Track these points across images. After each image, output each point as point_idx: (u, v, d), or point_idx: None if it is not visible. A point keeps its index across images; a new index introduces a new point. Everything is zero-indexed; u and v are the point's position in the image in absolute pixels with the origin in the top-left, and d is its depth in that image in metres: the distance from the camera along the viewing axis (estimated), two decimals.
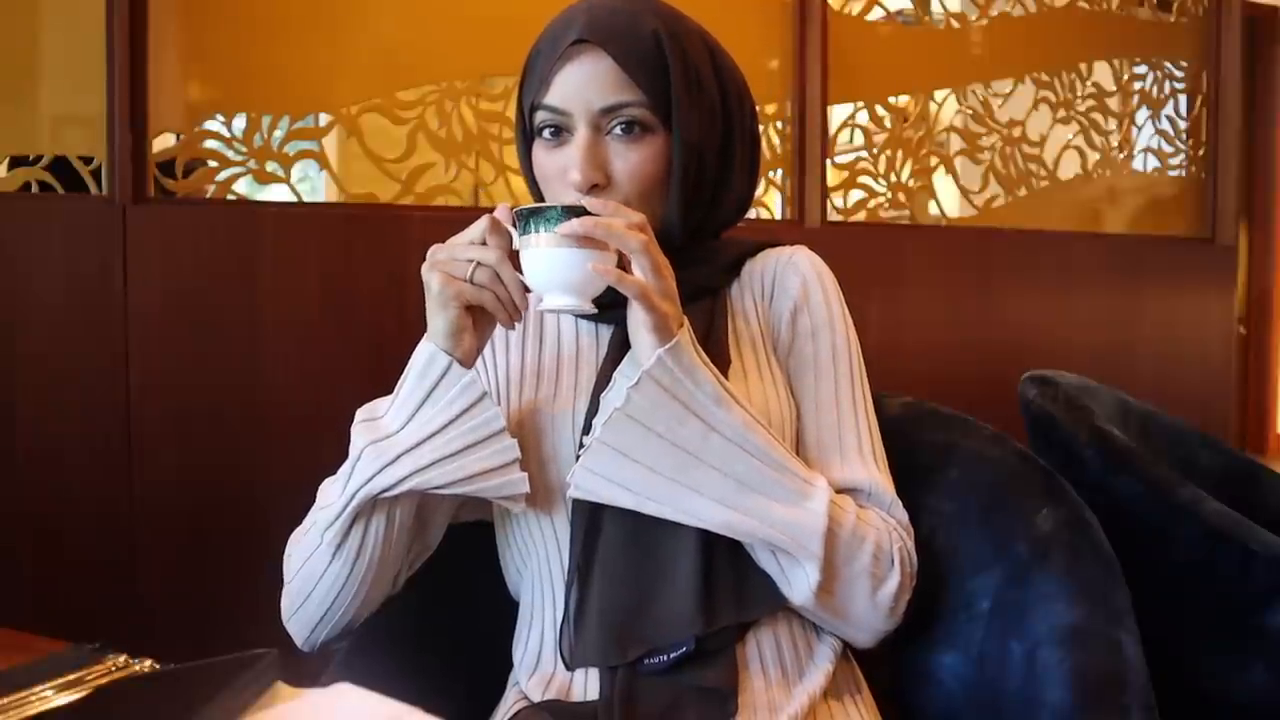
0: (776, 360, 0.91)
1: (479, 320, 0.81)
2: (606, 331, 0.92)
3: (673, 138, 0.86)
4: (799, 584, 0.82)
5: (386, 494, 0.80)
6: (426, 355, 0.80)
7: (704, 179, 0.90)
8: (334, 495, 0.83)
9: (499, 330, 0.97)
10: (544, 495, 0.87)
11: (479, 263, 0.78)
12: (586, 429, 0.85)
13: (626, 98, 0.84)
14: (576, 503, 0.84)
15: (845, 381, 0.91)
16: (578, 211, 0.76)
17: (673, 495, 0.79)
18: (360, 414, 0.85)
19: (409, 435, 0.80)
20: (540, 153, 0.89)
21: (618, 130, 0.85)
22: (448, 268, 0.79)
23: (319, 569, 0.84)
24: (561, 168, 0.86)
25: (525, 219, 0.78)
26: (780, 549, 0.81)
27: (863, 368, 0.93)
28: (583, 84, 0.85)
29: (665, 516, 0.80)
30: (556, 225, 0.76)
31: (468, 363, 0.81)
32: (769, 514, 0.80)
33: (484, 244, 0.79)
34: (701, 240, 0.93)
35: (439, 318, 0.80)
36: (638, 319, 0.78)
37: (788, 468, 0.81)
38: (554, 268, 0.77)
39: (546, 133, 0.88)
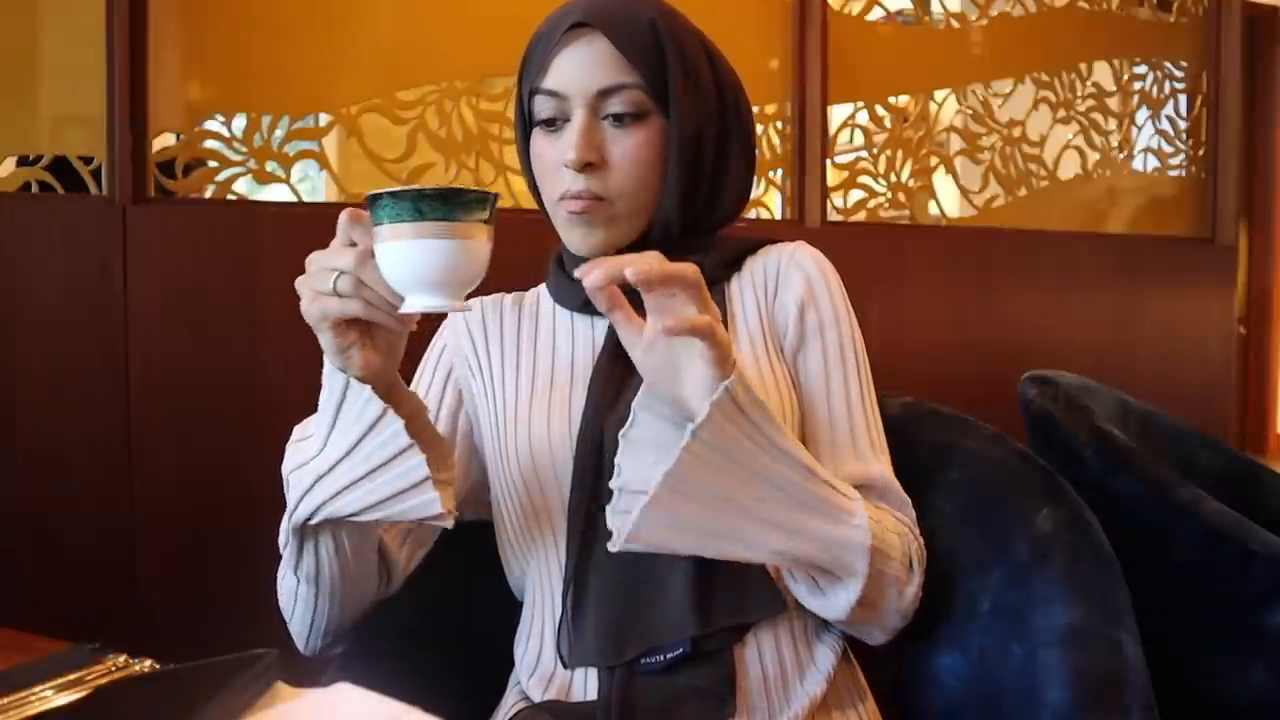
0: (777, 356, 0.91)
1: (372, 331, 0.73)
2: (602, 323, 0.93)
3: (670, 124, 0.87)
4: (838, 602, 0.80)
5: (310, 522, 0.77)
6: (327, 373, 0.74)
7: (701, 169, 0.90)
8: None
9: (489, 323, 0.98)
10: (540, 493, 0.88)
11: (340, 270, 0.69)
12: (582, 425, 0.85)
13: (624, 79, 0.85)
14: (573, 500, 0.84)
15: (854, 376, 0.91)
16: (438, 194, 0.66)
17: (737, 529, 0.73)
18: (295, 433, 0.81)
19: (324, 459, 0.75)
20: (538, 142, 0.89)
21: (615, 113, 0.86)
22: (312, 282, 0.71)
23: (291, 588, 0.84)
24: (558, 154, 0.87)
25: (375, 206, 0.67)
26: (824, 569, 0.79)
27: (867, 362, 0.93)
28: (580, 67, 0.85)
29: (724, 557, 0.75)
30: (413, 212, 0.66)
31: (372, 378, 0.73)
32: (819, 534, 0.76)
33: (353, 245, 0.70)
34: (700, 235, 0.94)
35: (320, 338, 0.73)
36: (689, 356, 0.71)
37: (830, 483, 0.78)
38: (412, 262, 0.67)
39: (544, 121, 0.88)
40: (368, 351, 0.73)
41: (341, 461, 0.74)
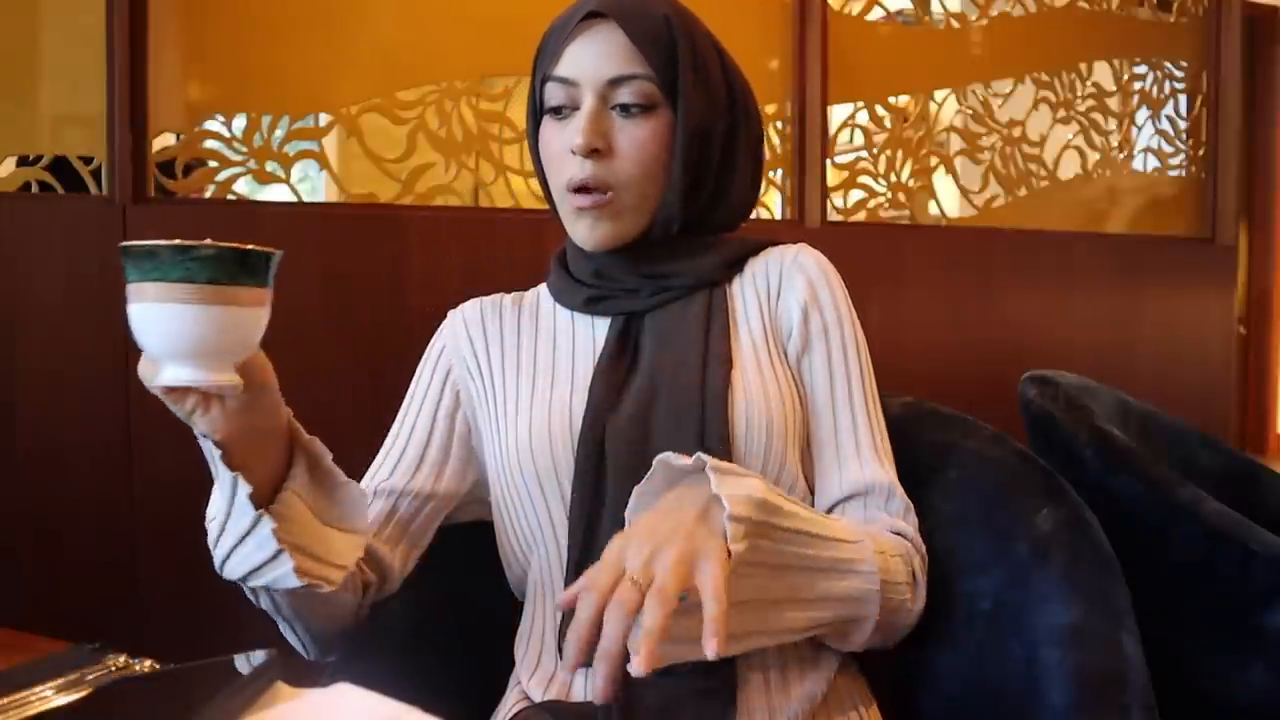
0: (780, 359, 0.91)
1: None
2: (603, 322, 0.93)
3: (677, 117, 0.87)
4: (854, 641, 0.83)
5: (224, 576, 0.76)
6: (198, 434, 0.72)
7: (706, 167, 0.90)
8: None
9: (488, 324, 0.98)
10: (540, 494, 0.87)
11: None
12: (583, 426, 0.85)
13: (635, 70, 0.86)
14: (574, 501, 0.84)
15: (857, 379, 0.91)
16: (193, 253, 0.58)
17: (763, 622, 0.74)
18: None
19: (216, 523, 0.74)
20: (546, 130, 0.90)
21: (623, 103, 0.87)
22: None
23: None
24: (566, 140, 0.87)
25: (128, 260, 0.59)
26: (842, 621, 0.81)
27: (870, 362, 0.93)
28: (593, 55, 0.86)
29: (756, 647, 0.76)
30: (137, 271, 0.58)
31: (229, 439, 0.70)
32: (836, 594, 0.77)
33: None
34: (702, 235, 0.94)
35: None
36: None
37: (836, 536, 0.78)
38: (148, 328, 0.59)
39: (554, 110, 0.89)
40: (214, 414, 0.69)
41: (224, 527, 0.73)
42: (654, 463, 0.73)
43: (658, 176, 0.88)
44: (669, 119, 0.88)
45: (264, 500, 0.73)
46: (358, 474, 0.95)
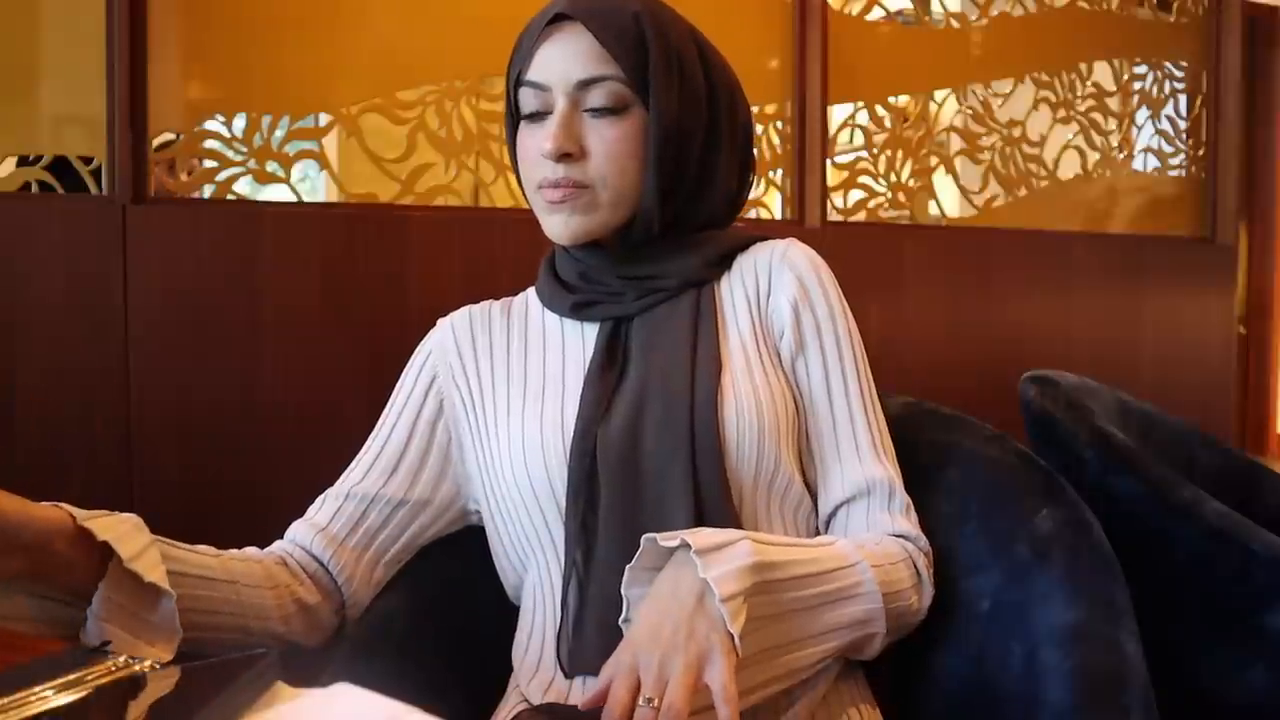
0: (772, 359, 0.90)
1: None
2: (592, 328, 0.92)
3: (650, 116, 0.87)
4: (866, 653, 0.84)
5: None
6: None
7: (685, 165, 0.90)
8: None
9: (477, 333, 0.97)
10: (535, 503, 0.87)
11: None
12: (575, 435, 0.85)
13: (604, 71, 0.85)
14: (570, 508, 0.84)
15: (852, 375, 0.90)
16: None
17: (778, 667, 0.77)
18: None
19: None
20: (521, 134, 0.90)
21: (594, 105, 0.86)
22: None
23: None
24: (539, 144, 0.87)
25: None
26: (851, 643, 0.82)
27: (865, 356, 0.93)
28: (562, 58, 0.86)
29: (774, 692, 0.77)
30: None
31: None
32: (842, 622, 0.79)
33: None
34: (686, 233, 0.93)
35: None
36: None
37: (833, 568, 0.79)
38: None
39: (528, 115, 0.89)
40: None
41: None
42: (641, 541, 0.74)
43: (633, 176, 0.87)
44: (642, 118, 0.87)
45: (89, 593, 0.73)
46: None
